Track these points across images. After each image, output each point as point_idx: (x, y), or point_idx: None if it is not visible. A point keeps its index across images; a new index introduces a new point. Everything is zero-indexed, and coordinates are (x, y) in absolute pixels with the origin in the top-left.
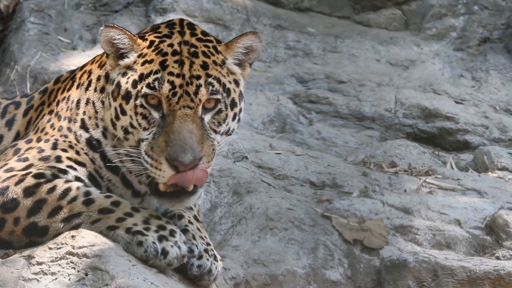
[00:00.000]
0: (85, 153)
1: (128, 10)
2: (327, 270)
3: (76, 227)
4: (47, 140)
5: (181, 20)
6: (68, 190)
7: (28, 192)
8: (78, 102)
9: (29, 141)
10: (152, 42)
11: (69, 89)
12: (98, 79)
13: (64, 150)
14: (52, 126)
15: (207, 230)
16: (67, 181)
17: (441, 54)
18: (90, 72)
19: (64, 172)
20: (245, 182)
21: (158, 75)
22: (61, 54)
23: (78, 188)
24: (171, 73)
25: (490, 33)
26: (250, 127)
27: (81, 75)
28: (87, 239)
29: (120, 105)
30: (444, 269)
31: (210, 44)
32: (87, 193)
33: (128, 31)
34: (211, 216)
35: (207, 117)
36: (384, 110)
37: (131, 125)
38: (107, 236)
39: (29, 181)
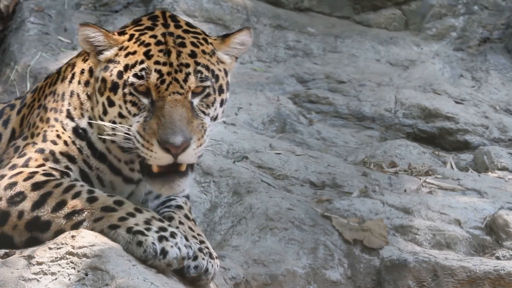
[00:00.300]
0: (73, 142)
1: (128, 10)
2: (327, 270)
3: (78, 223)
4: (38, 134)
5: (163, 13)
6: (72, 186)
7: (37, 186)
8: (63, 94)
9: (25, 138)
10: (132, 35)
11: (55, 83)
12: (82, 72)
13: (54, 142)
14: (41, 119)
15: (207, 230)
16: (72, 181)
17: (441, 54)
18: (73, 66)
19: (67, 174)
20: (245, 182)
21: (144, 65)
22: (61, 54)
23: (82, 185)
24: (157, 62)
25: (490, 33)
26: (250, 127)
27: (66, 69)
28: (87, 239)
29: (108, 98)
30: (444, 269)
31: (199, 36)
32: (91, 191)
33: (103, 28)
34: (211, 216)
35: (196, 101)
36: (384, 110)
37: (120, 114)
38: (108, 235)
39: (39, 178)
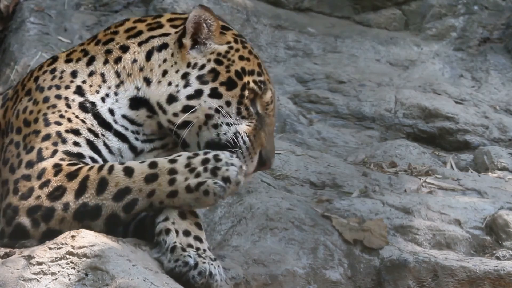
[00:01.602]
0: (76, 117)
1: (128, 10)
2: (327, 270)
3: (132, 204)
4: (36, 120)
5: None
6: (103, 164)
7: (71, 176)
8: (74, 72)
9: (19, 130)
10: (236, 39)
11: (51, 64)
12: (108, 51)
13: (58, 123)
14: (35, 102)
15: (207, 230)
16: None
17: (441, 54)
18: (85, 51)
19: (80, 155)
20: (245, 182)
21: (262, 78)
22: None
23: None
24: (269, 81)
25: (490, 33)
26: None
27: (70, 54)
28: (87, 239)
29: (214, 89)
30: (444, 269)
31: None
32: (121, 162)
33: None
34: (211, 216)
35: None
36: (384, 110)
37: (217, 110)
38: (168, 204)
39: (69, 168)
